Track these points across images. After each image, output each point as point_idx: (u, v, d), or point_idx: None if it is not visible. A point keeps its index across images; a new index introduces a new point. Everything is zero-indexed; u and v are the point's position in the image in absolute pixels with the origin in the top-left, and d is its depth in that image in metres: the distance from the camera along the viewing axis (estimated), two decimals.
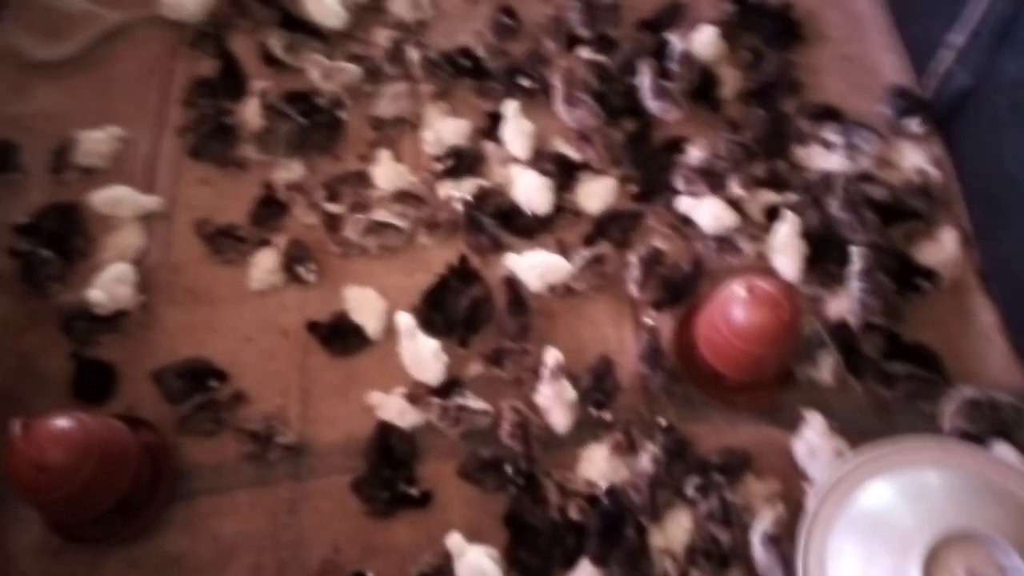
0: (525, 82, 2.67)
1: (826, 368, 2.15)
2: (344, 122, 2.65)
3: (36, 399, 2.31)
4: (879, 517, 1.67)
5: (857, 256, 2.24)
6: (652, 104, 2.62)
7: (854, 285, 2.25)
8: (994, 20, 2.18)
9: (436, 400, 2.12)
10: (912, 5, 2.68)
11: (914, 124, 2.54)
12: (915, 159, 2.49)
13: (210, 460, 2.21)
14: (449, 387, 2.18)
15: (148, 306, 2.43)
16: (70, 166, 2.63)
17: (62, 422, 1.89)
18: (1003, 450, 1.95)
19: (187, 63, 2.89)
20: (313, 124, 2.62)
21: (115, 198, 2.52)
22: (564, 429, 2.15)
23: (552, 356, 2.16)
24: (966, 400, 2.04)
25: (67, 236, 2.51)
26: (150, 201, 2.57)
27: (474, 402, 2.13)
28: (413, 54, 2.73)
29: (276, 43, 2.73)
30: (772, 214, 2.43)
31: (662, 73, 2.63)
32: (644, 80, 2.62)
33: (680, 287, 2.32)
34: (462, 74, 2.73)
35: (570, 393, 2.14)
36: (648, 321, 2.25)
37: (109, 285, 2.33)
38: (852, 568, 1.64)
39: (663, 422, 2.06)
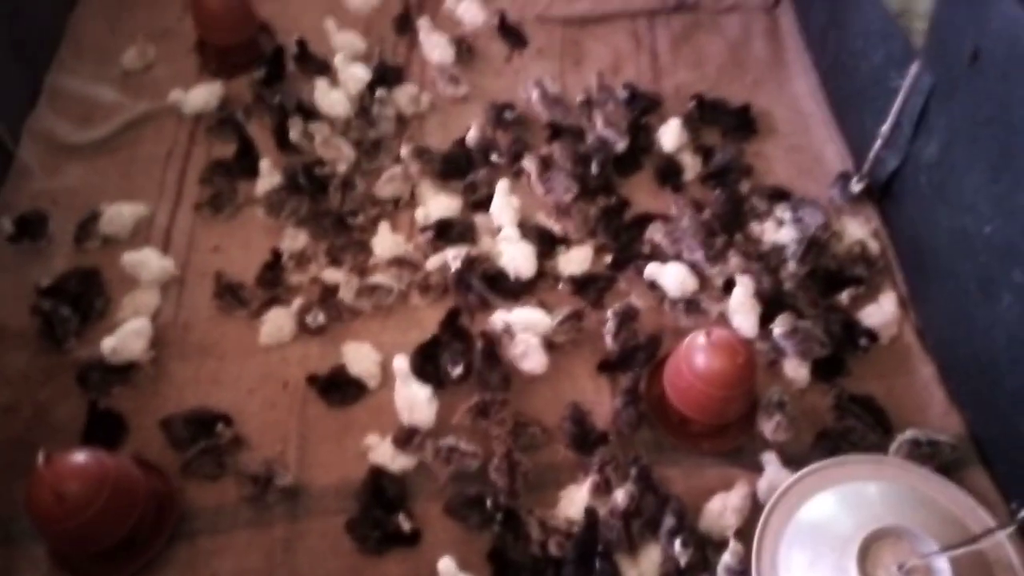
0: (498, 160, 3.01)
1: (772, 426, 2.34)
2: (354, 189, 2.94)
3: (48, 445, 2.41)
4: (822, 524, 1.85)
5: (777, 322, 2.49)
6: (605, 132, 3.03)
7: (784, 345, 2.51)
8: (910, 111, 2.54)
9: (428, 441, 2.30)
10: (848, 103, 3.07)
11: (855, 201, 2.87)
12: (856, 232, 2.80)
13: (211, 502, 2.36)
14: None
15: (158, 360, 2.62)
16: (93, 235, 2.89)
17: (82, 456, 2.06)
18: None
19: (204, 146, 3.21)
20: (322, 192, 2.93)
21: (141, 260, 2.75)
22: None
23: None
24: (907, 440, 2.25)
25: (87, 297, 2.73)
26: (171, 264, 2.79)
27: (464, 444, 2.31)
28: (404, 148, 3.04)
29: (293, 128, 3.05)
30: (730, 284, 2.70)
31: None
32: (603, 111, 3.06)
33: (636, 352, 2.53)
34: (450, 161, 3.04)
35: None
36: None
37: (125, 337, 2.53)
38: (801, 571, 1.80)
39: (633, 456, 2.24)
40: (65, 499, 1.97)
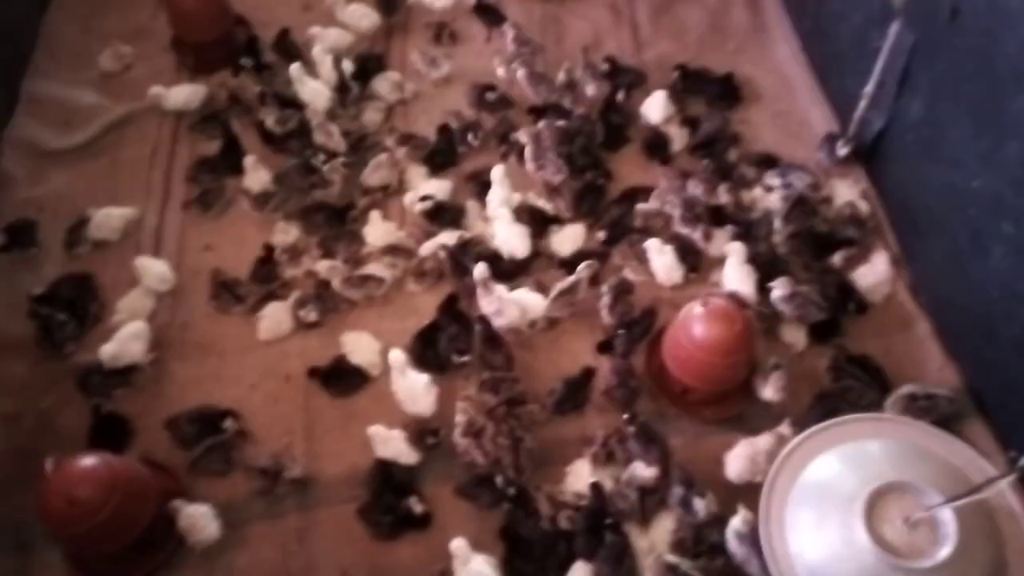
0: (483, 143, 3.03)
1: (772, 386, 2.37)
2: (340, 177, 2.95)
3: (54, 453, 2.41)
4: (827, 483, 1.88)
5: (776, 285, 2.51)
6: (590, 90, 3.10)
7: (783, 309, 2.53)
8: (893, 71, 2.55)
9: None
10: (830, 65, 3.08)
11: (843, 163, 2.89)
12: (846, 194, 2.82)
13: (222, 497, 2.36)
14: None
15: (158, 362, 2.62)
16: (83, 240, 2.87)
17: (90, 460, 2.07)
18: None
19: (188, 144, 3.18)
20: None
21: (148, 266, 2.76)
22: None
23: None
24: (904, 394, 2.29)
25: (82, 303, 2.72)
26: (171, 274, 2.78)
27: (488, 441, 2.31)
28: (389, 136, 3.06)
29: (268, 117, 3.05)
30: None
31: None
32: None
33: (633, 326, 2.55)
34: (437, 147, 3.04)
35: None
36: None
37: (124, 341, 2.53)
38: (808, 530, 1.84)
39: (630, 415, 2.29)
40: (76, 504, 1.98)
